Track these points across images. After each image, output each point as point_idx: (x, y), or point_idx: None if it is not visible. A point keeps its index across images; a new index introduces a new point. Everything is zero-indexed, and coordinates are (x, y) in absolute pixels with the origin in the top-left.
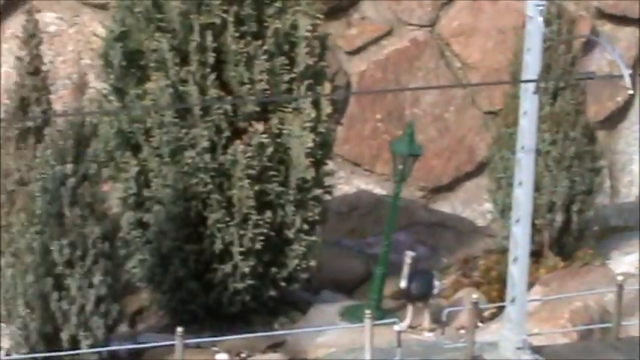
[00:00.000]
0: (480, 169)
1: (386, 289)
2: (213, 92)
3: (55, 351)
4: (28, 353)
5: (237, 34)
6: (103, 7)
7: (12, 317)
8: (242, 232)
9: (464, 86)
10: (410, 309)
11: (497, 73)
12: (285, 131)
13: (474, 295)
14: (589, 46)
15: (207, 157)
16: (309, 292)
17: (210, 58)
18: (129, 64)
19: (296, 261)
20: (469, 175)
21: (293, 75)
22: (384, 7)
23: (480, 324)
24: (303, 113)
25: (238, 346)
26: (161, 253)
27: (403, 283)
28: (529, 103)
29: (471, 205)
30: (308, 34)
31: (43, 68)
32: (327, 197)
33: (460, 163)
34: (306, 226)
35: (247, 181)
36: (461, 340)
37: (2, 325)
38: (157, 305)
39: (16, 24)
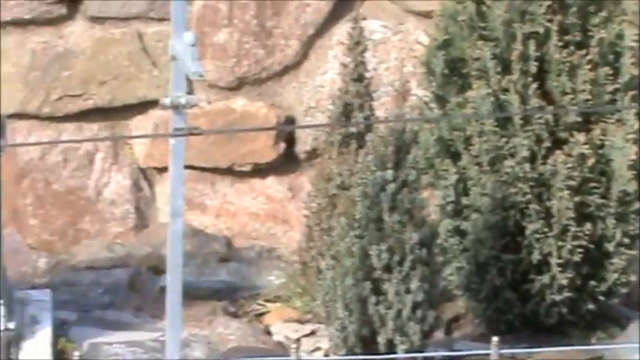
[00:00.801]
0: None
1: None
2: (534, 102)
3: (372, 354)
4: (346, 355)
5: (560, 44)
6: (426, 15)
7: (331, 319)
8: (560, 243)
9: None
10: None
11: None
12: (607, 142)
13: None
14: None
15: (526, 166)
16: (628, 308)
17: (533, 67)
18: (451, 72)
19: (615, 275)
20: None
21: (617, 85)
22: None
23: None
24: (626, 125)
25: (554, 358)
26: (478, 262)
27: None
28: None
29: None
30: (634, 44)
31: (367, 75)
32: None
33: None
34: (626, 240)
35: (567, 192)
36: None
37: (321, 326)
38: (472, 313)
39: (342, 31)
